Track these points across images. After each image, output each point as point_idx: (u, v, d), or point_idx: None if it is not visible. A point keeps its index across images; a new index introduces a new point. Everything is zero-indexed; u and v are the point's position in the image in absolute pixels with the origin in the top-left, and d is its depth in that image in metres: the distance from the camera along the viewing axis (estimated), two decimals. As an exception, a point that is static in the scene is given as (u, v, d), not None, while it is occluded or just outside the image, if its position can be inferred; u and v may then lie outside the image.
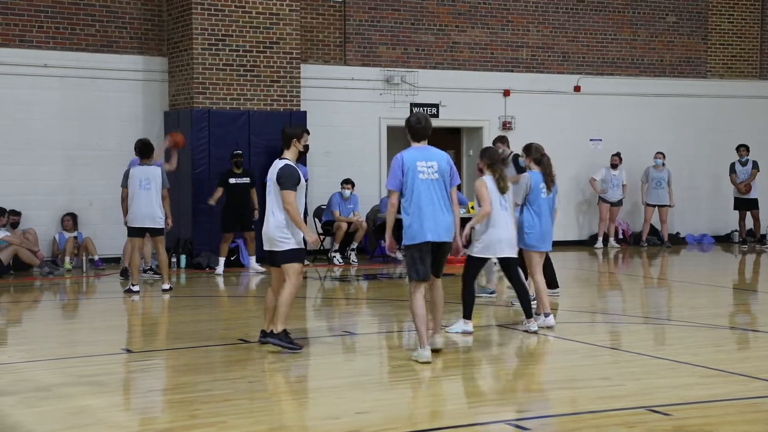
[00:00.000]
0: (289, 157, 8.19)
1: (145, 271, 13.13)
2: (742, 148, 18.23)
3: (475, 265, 8.85)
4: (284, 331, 7.92)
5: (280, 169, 8.00)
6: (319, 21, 16.62)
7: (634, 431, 5.60)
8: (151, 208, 11.70)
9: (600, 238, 17.99)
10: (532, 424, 5.85)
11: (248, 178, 14.24)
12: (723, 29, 19.64)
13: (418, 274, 7.57)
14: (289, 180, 7.96)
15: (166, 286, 11.79)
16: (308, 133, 8.54)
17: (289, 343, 7.93)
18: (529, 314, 8.95)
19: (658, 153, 18.17)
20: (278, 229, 7.91)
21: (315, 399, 6.72)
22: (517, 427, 5.73)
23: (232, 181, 14.13)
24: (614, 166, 17.98)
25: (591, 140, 18.50)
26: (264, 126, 15.13)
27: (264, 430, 5.70)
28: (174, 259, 14.33)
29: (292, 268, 7.89)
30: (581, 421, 5.88)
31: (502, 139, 12.41)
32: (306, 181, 14.84)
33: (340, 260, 15.25)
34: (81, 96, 14.96)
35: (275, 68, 15.29)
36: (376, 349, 8.85)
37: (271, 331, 7.98)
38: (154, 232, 11.82)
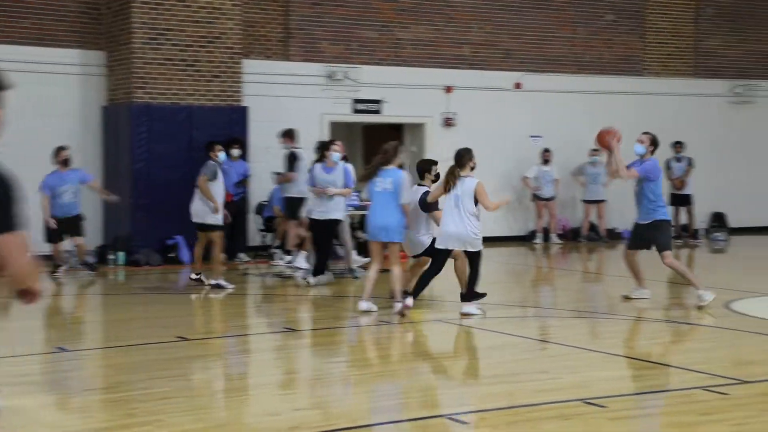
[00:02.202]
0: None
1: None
2: (678, 145, 18.56)
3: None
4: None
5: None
6: (262, 16, 16.51)
7: (570, 423, 5.67)
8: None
9: (540, 234, 18.18)
10: (471, 418, 5.89)
11: None
12: (659, 28, 19.95)
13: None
14: None
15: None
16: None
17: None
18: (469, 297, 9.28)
19: (593, 149, 18.39)
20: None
21: (255, 396, 6.69)
22: (456, 421, 5.76)
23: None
24: (546, 162, 18.19)
25: (531, 137, 18.66)
26: (205, 121, 14.99)
27: (203, 428, 5.65)
28: (112, 256, 14.13)
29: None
30: (518, 415, 5.94)
31: (288, 134, 13.37)
32: (248, 177, 15.02)
33: (282, 257, 15.15)
34: (16, 90, 14.65)
35: (216, 63, 15.16)
36: (319, 346, 8.83)
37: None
38: None
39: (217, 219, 11.66)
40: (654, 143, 10.39)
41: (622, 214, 19.08)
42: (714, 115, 20.13)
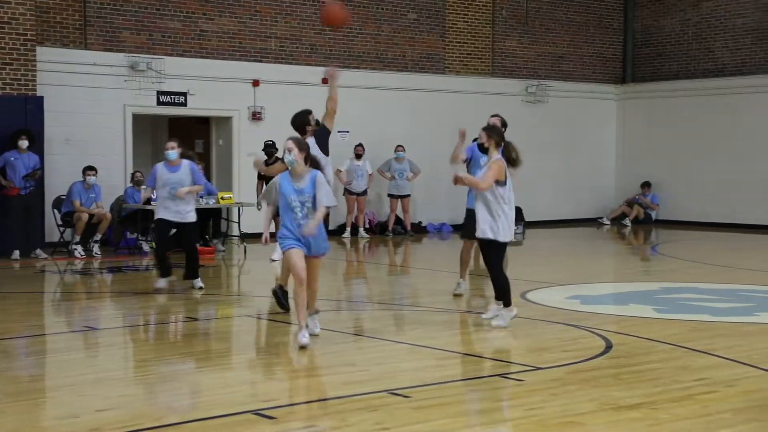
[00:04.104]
0: None
1: None
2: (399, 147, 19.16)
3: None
4: None
5: None
6: (57, 1, 15.81)
7: (376, 414, 5.77)
8: None
9: (348, 228, 18.39)
10: (279, 412, 5.88)
11: None
12: (459, 28, 20.64)
13: None
14: None
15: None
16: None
17: None
18: None
19: (398, 146, 18.82)
20: None
21: (53, 398, 6.41)
22: (264, 416, 5.75)
23: None
24: (358, 156, 18.45)
25: (339, 132, 18.82)
26: (-4, 111, 14.22)
27: (-4, 435, 5.37)
28: None
29: None
30: (327, 407, 6.00)
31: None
32: (38, 170, 14.31)
33: (82, 253, 14.60)
34: None
35: (7, 50, 14.41)
36: (120, 345, 8.57)
37: None
38: None
39: None
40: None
41: (425, 209, 19.69)
42: (511, 112, 21.00)
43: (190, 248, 11.12)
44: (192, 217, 11.06)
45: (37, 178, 14.37)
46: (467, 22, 20.73)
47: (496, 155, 8.29)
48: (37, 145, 14.48)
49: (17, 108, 14.41)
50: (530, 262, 14.54)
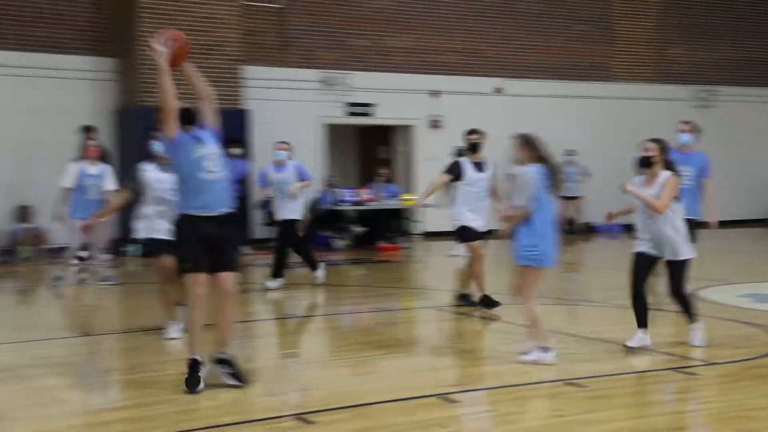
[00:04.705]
0: None
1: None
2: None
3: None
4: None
5: None
6: (261, 25, 16.49)
7: (553, 402, 5.70)
8: None
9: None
10: (462, 397, 5.91)
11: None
12: (626, 37, 20.05)
13: None
14: None
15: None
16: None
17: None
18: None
19: (569, 150, 18.49)
20: None
21: (262, 378, 6.66)
22: (448, 400, 5.78)
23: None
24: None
25: (511, 137, 18.70)
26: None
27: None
28: (127, 249, 14.07)
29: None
30: (508, 393, 5.97)
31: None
32: (247, 176, 14.98)
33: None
34: (32, 95, 14.63)
35: (219, 70, 15.13)
36: (318, 332, 8.80)
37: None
38: None
39: None
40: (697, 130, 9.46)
41: (597, 210, 19.22)
42: (677, 117, 20.18)
43: (281, 246, 10.82)
44: (289, 215, 10.79)
45: (245, 183, 15.02)
46: (634, 31, 20.11)
47: (665, 172, 6.99)
48: (246, 153, 15.14)
49: (228, 120, 15.07)
50: (702, 261, 13.90)
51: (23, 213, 14.37)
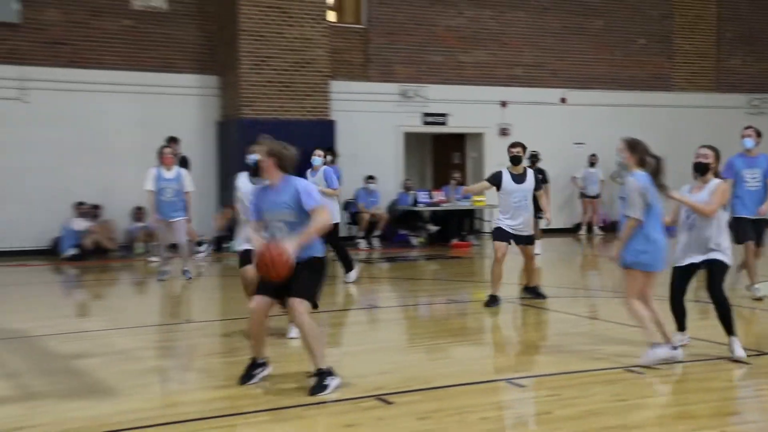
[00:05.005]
0: None
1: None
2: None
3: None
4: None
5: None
6: (346, 44, 16.63)
7: (614, 387, 5.60)
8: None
9: (584, 227, 17.98)
10: (528, 382, 5.86)
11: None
12: (685, 50, 19.52)
13: None
14: None
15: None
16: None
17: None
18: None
19: (629, 154, 18.11)
20: None
21: (345, 361, 6.73)
22: (515, 384, 5.74)
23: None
24: (592, 165, 17.97)
25: (575, 144, 18.44)
26: (300, 133, 15.16)
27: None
28: (227, 245, 14.35)
29: None
30: (571, 379, 5.89)
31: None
32: (338, 178, 15.04)
33: (365, 245, 15.26)
34: (148, 109, 15.05)
35: (309, 84, 15.33)
36: (395, 320, 8.86)
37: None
38: None
39: None
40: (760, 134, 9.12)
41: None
42: (734, 124, 19.58)
43: (333, 244, 10.47)
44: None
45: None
46: (693, 44, 19.56)
47: (716, 179, 6.52)
48: (334, 159, 15.26)
49: (316, 130, 15.32)
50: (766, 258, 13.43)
51: (138, 213, 14.80)
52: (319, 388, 5.43)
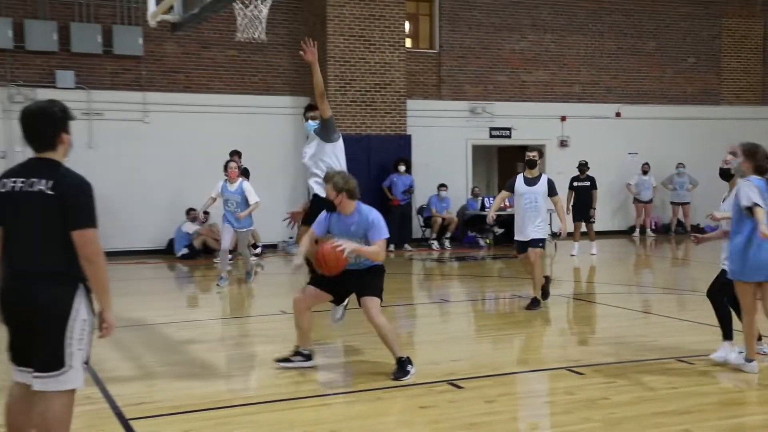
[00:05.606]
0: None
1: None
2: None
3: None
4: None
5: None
6: (420, 67, 16.62)
7: (666, 376, 5.42)
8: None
9: (637, 229, 17.52)
10: (586, 370, 5.72)
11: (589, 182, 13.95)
12: (732, 67, 18.79)
13: None
14: None
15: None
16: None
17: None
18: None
19: (679, 163, 17.56)
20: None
21: (420, 349, 6.72)
22: (575, 372, 5.62)
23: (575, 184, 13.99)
24: (645, 173, 17.48)
25: (629, 153, 17.97)
26: (380, 146, 15.26)
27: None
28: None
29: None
30: (626, 368, 5.73)
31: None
32: (412, 187, 15.10)
33: (437, 246, 15.21)
34: (248, 128, 15.35)
35: (388, 103, 15.38)
36: (464, 313, 8.80)
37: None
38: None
39: None
40: None
41: (704, 214, 18.10)
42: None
43: None
44: None
45: (411, 192, 15.20)
46: (740, 62, 18.80)
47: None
48: (409, 170, 15.30)
49: (395, 143, 15.36)
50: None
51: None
52: (401, 372, 5.43)
